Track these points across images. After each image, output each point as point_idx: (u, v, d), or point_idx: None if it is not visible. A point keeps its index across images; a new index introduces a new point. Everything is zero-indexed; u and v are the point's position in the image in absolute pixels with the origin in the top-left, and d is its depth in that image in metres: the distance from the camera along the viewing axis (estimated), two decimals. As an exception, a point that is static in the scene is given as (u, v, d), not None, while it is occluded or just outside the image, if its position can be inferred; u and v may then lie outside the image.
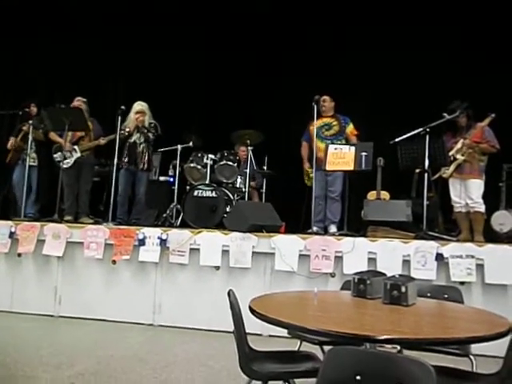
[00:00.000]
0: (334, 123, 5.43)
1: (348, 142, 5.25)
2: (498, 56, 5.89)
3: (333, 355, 1.33)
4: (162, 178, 6.63)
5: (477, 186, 4.70)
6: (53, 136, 5.75)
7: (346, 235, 4.47)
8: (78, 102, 5.74)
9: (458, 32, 6.06)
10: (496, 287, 3.89)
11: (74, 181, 5.71)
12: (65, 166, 5.53)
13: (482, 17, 5.99)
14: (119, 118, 5.40)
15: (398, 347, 2.41)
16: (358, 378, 1.23)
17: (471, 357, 2.45)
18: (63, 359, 3.40)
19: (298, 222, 5.40)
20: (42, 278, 4.87)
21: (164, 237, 4.55)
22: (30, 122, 5.70)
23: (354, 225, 4.97)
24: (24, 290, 4.88)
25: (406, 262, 4.07)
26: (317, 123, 5.33)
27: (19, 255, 4.84)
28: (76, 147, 5.64)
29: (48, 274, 4.86)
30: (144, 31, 7.15)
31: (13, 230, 4.86)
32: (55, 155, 5.59)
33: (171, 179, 6.24)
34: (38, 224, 4.89)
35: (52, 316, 4.75)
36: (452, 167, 4.73)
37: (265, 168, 6.19)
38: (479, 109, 4.76)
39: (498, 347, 2.00)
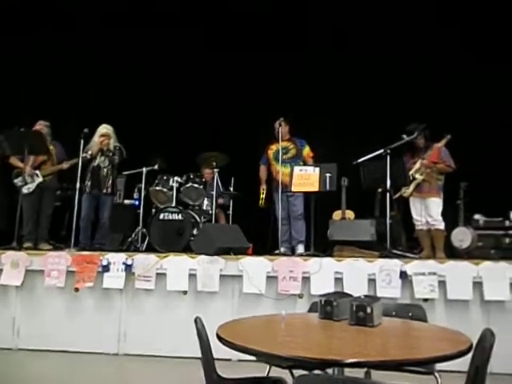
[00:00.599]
0: (291, 146, 5.59)
1: (305, 164, 5.37)
2: (453, 78, 6.21)
3: (301, 383, 1.32)
4: (126, 202, 6.52)
5: (436, 205, 4.88)
6: (13, 160, 5.55)
7: (313, 255, 4.51)
8: (40, 125, 5.59)
9: (415, 54, 6.35)
10: (458, 303, 4.01)
11: (34, 206, 5.52)
12: (26, 192, 5.35)
13: (433, 40, 6.32)
14: (82, 141, 5.30)
15: (366, 369, 2.44)
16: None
17: (436, 374, 2.50)
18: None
19: (265, 243, 5.42)
20: (-1, 309, 4.64)
21: (129, 262, 4.45)
22: (-13, 146, 5.50)
23: (321, 245, 5.03)
24: (-21, 322, 4.63)
25: (372, 281, 4.14)
26: (274, 147, 5.49)
27: (-26, 286, 4.60)
28: (38, 172, 5.48)
29: (5, 304, 4.62)
30: (110, 48, 7.11)
31: (-33, 259, 4.63)
32: (16, 180, 5.40)
33: (136, 202, 6.14)
34: (-6, 252, 4.68)
35: (10, 349, 4.51)
36: (412, 186, 4.89)
37: (231, 189, 6.21)
38: (436, 130, 4.97)
39: (462, 363, 2.05)
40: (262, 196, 5.48)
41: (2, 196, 5.83)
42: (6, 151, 5.40)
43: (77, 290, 4.45)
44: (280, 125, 5.34)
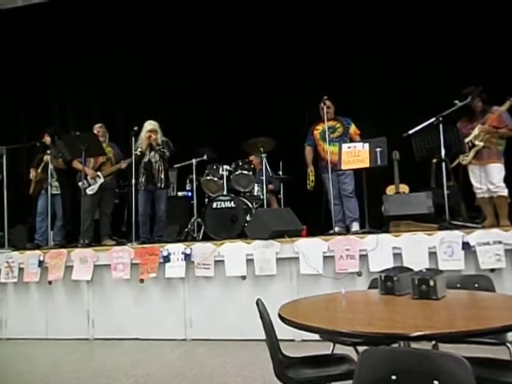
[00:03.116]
0: (338, 125, 5.51)
1: (352, 142, 5.25)
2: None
3: (367, 357, 1.33)
4: (180, 194, 6.72)
5: (497, 171, 4.62)
6: (75, 164, 5.89)
7: (369, 232, 4.44)
8: (96, 129, 5.91)
9: (468, 15, 5.96)
10: (527, 271, 3.81)
11: (94, 205, 5.85)
12: (90, 193, 5.66)
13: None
14: (132, 139, 5.50)
15: (433, 342, 2.39)
16: (394, 377, 1.23)
17: (508, 344, 2.41)
18: (102, 381, 3.46)
19: (318, 224, 5.40)
20: (74, 302, 4.97)
21: (188, 251, 4.60)
22: (49, 151, 5.85)
23: (376, 221, 4.94)
24: (57, 316, 4.99)
25: (433, 254, 4.02)
26: (320, 127, 5.42)
27: (50, 283, 4.96)
28: (99, 173, 5.78)
29: (79, 298, 4.96)
30: (151, 49, 7.27)
31: (41, 258, 4.98)
32: (80, 183, 5.71)
33: (189, 194, 6.31)
34: (64, 251, 5.00)
35: (87, 339, 4.84)
36: (471, 154, 4.66)
37: (280, 173, 6.21)
38: (492, 93, 4.68)
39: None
40: (312, 178, 5.44)
41: (69, 198, 6.20)
42: (66, 156, 5.73)
43: (142, 281, 4.67)
44: (325, 104, 5.26)
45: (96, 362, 4.10)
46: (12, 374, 3.84)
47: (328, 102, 5.35)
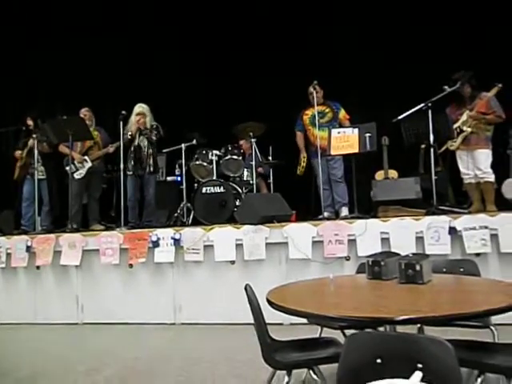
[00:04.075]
0: (327, 110, 5.49)
1: (342, 127, 5.25)
2: (501, 23, 5.78)
3: (352, 341, 1.35)
4: (169, 178, 6.68)
5: (484, 156, 4.66)
6: (62, 148, 5.80)
7: (358, 218, 4.48)
8: (83, 112, 5.80)
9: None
10: (511, 256, 3.88)
11: (82, 190, 5.79)
12: (78, 177, 5.59)
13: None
14: (121, 123, 5.43)
15: (418, 325, 2.43)
16: (379, 361, 1.25)
17: (492, 327, 2.47)
18: (91, 365, 3.47)
19: (308, 209, 5.43)
20: (63, 287, 4.95)
21: (177, 236, 4.60)
22: (34, 135, 5.75)
23: (365, 206, 4.97)
24: (46, 300, 4.98)
25: (420, 239, 4.07)
26: (309, 112, 5.39)
27: (38, 268, 4.93)
28: (86, 157, 5.70)
29: (68, 283, 4.94)
30: (140, 32, 7.14)
31: (29, 243, 4.94)
32: (67, 167, 5.64)
33: (178, 178, 6.27)
34: (53, 236, 4.96)
35: (76, 324, 4.85)
36: (459, 139, 4.69)
37: (270, 158, 6.20)
38: (481, 79, 4.69)
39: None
40: (303, 164, 5.44)
41: (55, 183, 6.12)
42: (52, 140, 5.64)
43: (131, 265, 4.67)
44: (314, 88, 5.23)
45: (85, 346, 4.11)
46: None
47: (317, 87, 5.32)
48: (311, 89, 5.26)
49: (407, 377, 1.08)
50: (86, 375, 3.28)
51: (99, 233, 4.94)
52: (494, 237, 3.92)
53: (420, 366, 1.16)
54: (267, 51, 6.65)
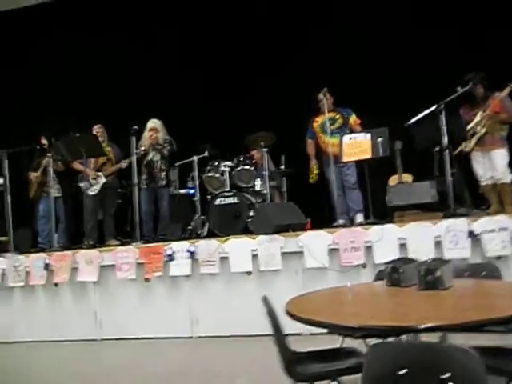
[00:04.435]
0: (337, 116, 5.45)
1: (353, 133, 5.20)
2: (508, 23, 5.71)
3: (375, 351, 1.31)
4: (182, 191, 6.69)
5: (501, 157, 4.58)
6: (75, 165, 5.87)
7: (374, 223, 4.42)
8: (95, 129, 5.88)
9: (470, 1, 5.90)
10: (535, 257, 3.78)
11: (97, 206, 5.84)
12: (92, 193, 5.64)
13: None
14: (133, 138, 5.47)
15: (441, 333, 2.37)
16: (403, 372, 1.21)
17: (517, 332, 2.39)
18: (109, 381, 3.46)
19: (323, 217, 5.37)
20: (81, 304, 4.97)
21: (192, 249, 4.59)
22: (48, 154, 5.84)
23: (380, 212, 4.90)
24: (65, 317, 4.99)
25: (438, 244, 3.99)
26: (319, 119, 5.36)
27: (56, 285, 4.96)
28: (100, 173, 5.76)
29: (86, 299, 4.96)
30: (150, 46, 7.23)
31: (47, 261, 4.99)
32: (81, 184, 5.70)
33: (191, 191, 6.28)
34: (69, 252, 5.00)
35: (95, 340, 4.85)
36: (473, 140, 4.62)
37: (283, 167, 6.18)
38: (494, 79, 4.63)
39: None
40: (316, 172, 5.40)
41: (70, 200, 6.19)
42: (66, 157, 5.71)
43: (147, 280, 4.67)
44: (324, 95, 5.21)
45: (103, 362, 4.11)
46: (18, 377, 3.85)
47: (327, 94, 5.31)
48: (321, 95, 5.24)
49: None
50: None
51: (115, 248, 4.97)
52: (515, 239, 3.83)
53: (445, 376, 1.12)
54: (277, 59, 6.67)
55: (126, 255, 4.77)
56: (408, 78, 6.01)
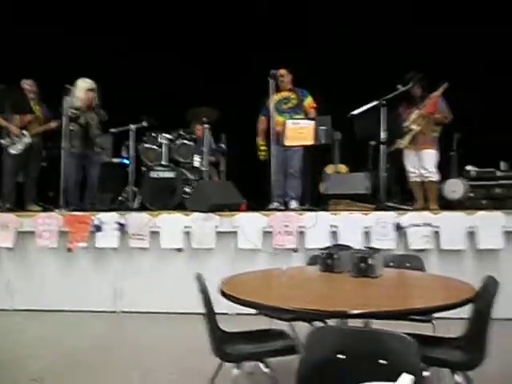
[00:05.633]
0: (292, 96, 5.32)
1: (306, 115, 5.19)
2: (451, 24, 6.00)
3: (314, 336, 1.30)
4: (115, 160, 6.36)
5: (431, 157, 4.84)
6: None
7: (308, 210, 4.49)
8: (25, 84, 5.33)
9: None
10: (452, 253, 4.06)
11: (18, 167, 5.36)
12: (13, 152, 5.17)
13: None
14: (65, 98, 5.06)
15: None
16: (341, 356, 1.21)
17: (434, 322, 2.54)
18: (24, 354, 3.23)
19: (259, 199, 5.36)
20: (-8, 271, 4.59)
21: (122, 221, 4.40)
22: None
23: (314, 199, 5.00)
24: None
25: (367, 234, 4.15)
26: (275, 97, 5.26)
27: (-36, 249, 4.53)
28: (25, 132, 5.27)
29: (-2, 266, 4.58)
30: (93, 9, 6.73)
31: (-46, 222, 4.52)
32: (2, 141, 5.19)
33: (125, 161, 5.99)
34: (-18, 215, 4.57)
35: (6, 310, 4.51)
36: (407, 138, 4.82)
37: (223, 145, 6.07)
38: (432, 79, 4.84)
39: (459, 310, 2.07)
40: (262, 148, 5.26)
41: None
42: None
43: (70, 250, 4.40)
44: (282, 75, 5.14)
45: (17, 334, 3.83)
46: None
47: (283, 71, 5.23)
48: (283, 71, 5.16)
49: (370, 373, 1.05)
50: (19, 365, 3.04)
51: (36, 214, 4.62)
52: (436, 234, 4.09)
53: (383, 362, 1.14)
54: (228, 36, 6.49)
55: (48, 222, 4.46)
56: (353, 71, 6.14)
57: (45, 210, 5.15)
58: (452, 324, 2.30)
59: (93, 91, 5.26)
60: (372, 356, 1.15)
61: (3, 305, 4.52)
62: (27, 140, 5.25)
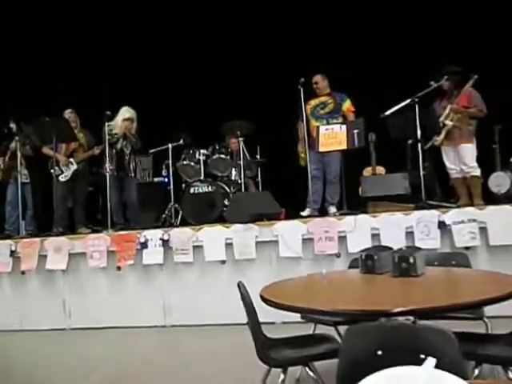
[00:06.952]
0: (330, 101, 5.28)
1: (345, 120, 5.13)
2: (480, 19, 5.85)
3: (351, 334, 1.32)
4: (155, 180, 6.59)
5: (469, 151, 4.68)
6: (46, 150, 5.65)
7: (347, 214, 4.46)
8: (67, 114, 5.67)
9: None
10: (501, 248, 3.90)
11: (67, 193, 5.67)
12: (63, 180, 5.47)
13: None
14: (106, 124, 5.32)
15: (412, 318, 2.42)
16: (379, 353, 1.22)
17: (485, 319, 2.47)
18: (79, 371, 3.39)
19: (297, 207, 5.38)
20: (49, 292, 4.84)
21: (166, 237, 4.53)
22: (17, 138, 5.62)
23: (353, 203, 4.94)
24: (32, 306, 4.85)
25: (410, 234, 4.07)
26: (312, 102, 5.27)
27: (23, 273, 4.80)
28: (72, 160, 5.59)
29: (54, 288, 4.83)
30: (125, 30, 7.04)
31: (13, 248, 4.82)
32: (52, 170, 5.51)
33: (165, 179, 6.19)
34: (37, 240, 4.85)
35: (64, 329, 4.74)
36: (442, 134, 4.70)
37: (258, 157, 6.16)
38: (466, 72, 4.72)
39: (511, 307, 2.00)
40: (302, 155, 5.21)
41: (39, 186, 5.99)
42: (36, 142, 5.51)
43: (119, 268, 4.58)
44: (316, 82, 5.17)
45: (72, 352, 4.01)
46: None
47: (317, 78, 5.26)
48: (318, 77, 5.21)
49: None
50: (73, 381, 3.19)
51: (86, 236, 4.85)
52: (483, 230, 3.94)
53: (423, 357, 1.13)
54: (257, 49, 6.60)
55: (97, 243, 4.67)
56: (384, 70, 6.08)
57: (94, 231, 5.39)
58: (507, 322, 2.23)
59: (129, 121, 5.48)
60: (411, 351, 1.15)
61: (62, 324, 4.75)
62: (74, 167, 5.55)
